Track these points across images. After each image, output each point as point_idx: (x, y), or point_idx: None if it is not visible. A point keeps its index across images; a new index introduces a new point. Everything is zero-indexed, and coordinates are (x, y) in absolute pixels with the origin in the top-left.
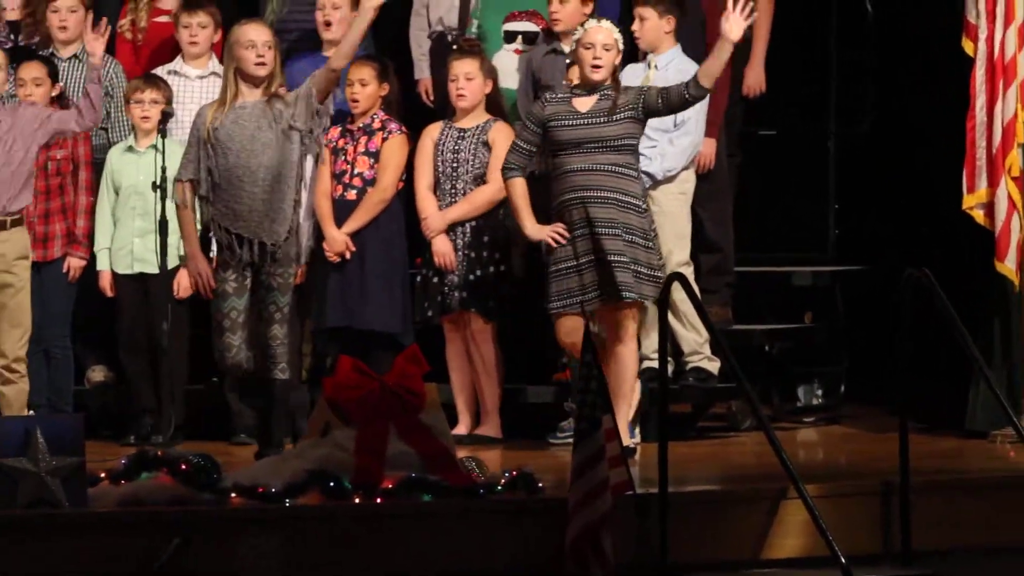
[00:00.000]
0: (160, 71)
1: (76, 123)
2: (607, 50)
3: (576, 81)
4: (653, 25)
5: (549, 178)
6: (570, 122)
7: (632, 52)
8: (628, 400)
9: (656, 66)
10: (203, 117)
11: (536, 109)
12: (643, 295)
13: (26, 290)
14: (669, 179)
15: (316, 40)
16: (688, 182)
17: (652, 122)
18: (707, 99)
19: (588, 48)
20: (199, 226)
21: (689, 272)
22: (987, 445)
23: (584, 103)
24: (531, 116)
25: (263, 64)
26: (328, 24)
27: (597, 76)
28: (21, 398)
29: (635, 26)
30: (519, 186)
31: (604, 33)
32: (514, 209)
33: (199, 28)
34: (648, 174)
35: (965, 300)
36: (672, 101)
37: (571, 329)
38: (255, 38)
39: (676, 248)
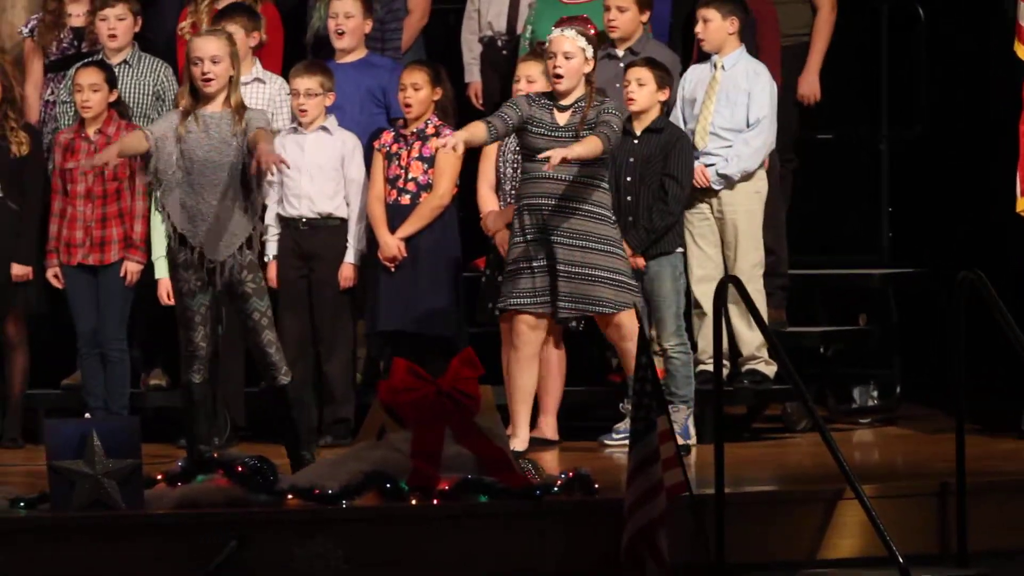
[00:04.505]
0: None
1: None
2: (568, 59)
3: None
4: (717, 27)
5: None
6: (546, 132)
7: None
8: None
9: (723, 67)
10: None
11: (522, 102)
12: (625, 304)
13: None
14: (745, 179)
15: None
16: (762, 180)
17: (725, 123)
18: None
19: (550, 58)
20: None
21: (760, 272)
22: None
23: (561, 117)
24: (517, 104)
25: (209, 80)
26: (341, 34)
27: (558, 86)
28: None
29: (699, 28)
30: (479, 126)
31: (567, 42)
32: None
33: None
34: (724, 176)
35: (1019, 302)
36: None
37: (522, 328)
38: (201, 53)
39: (751, 248)
